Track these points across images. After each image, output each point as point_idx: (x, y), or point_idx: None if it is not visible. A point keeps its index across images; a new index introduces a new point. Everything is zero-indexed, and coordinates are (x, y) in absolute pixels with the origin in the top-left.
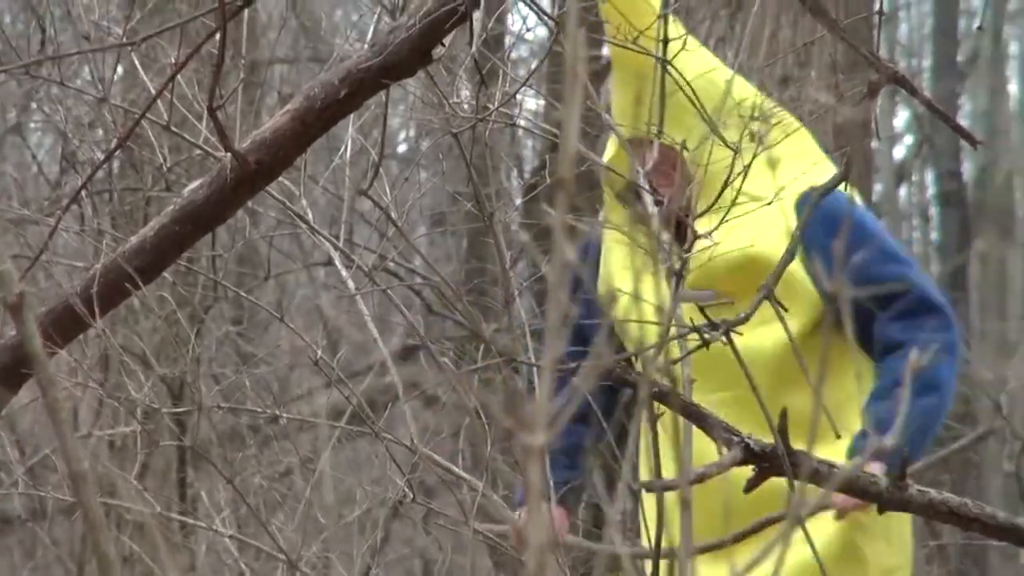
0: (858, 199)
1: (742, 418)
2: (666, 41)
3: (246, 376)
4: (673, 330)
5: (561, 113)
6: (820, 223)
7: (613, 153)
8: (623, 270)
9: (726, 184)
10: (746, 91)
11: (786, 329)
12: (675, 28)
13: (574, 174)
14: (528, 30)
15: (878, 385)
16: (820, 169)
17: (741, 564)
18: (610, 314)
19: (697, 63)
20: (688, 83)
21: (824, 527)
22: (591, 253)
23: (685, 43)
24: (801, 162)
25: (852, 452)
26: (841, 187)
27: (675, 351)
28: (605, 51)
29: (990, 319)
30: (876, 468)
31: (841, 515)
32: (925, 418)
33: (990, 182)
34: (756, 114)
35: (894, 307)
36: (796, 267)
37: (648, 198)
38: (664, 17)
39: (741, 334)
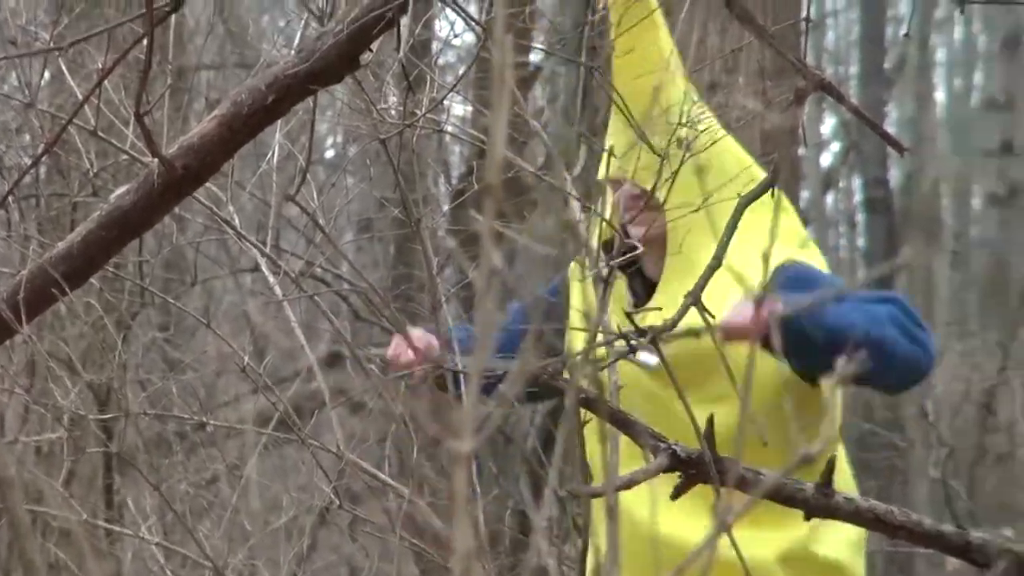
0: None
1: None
2: (594, 47)
3: (173, 382)
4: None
5: (488, 119)
6: (786, 286)
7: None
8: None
9: (653, 190)
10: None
11: (713, 337)
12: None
13: (501, 180)
14: (455, 36)
15: None
16: (748, 177)
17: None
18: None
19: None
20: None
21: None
22: (563, 293)
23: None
24: (729, 169)
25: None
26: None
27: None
28: (532, 57)
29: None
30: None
31: (728, 338)
32: (838, 313)
33: (916, 189)
34: (684, 120)
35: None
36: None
37: (576, 205)
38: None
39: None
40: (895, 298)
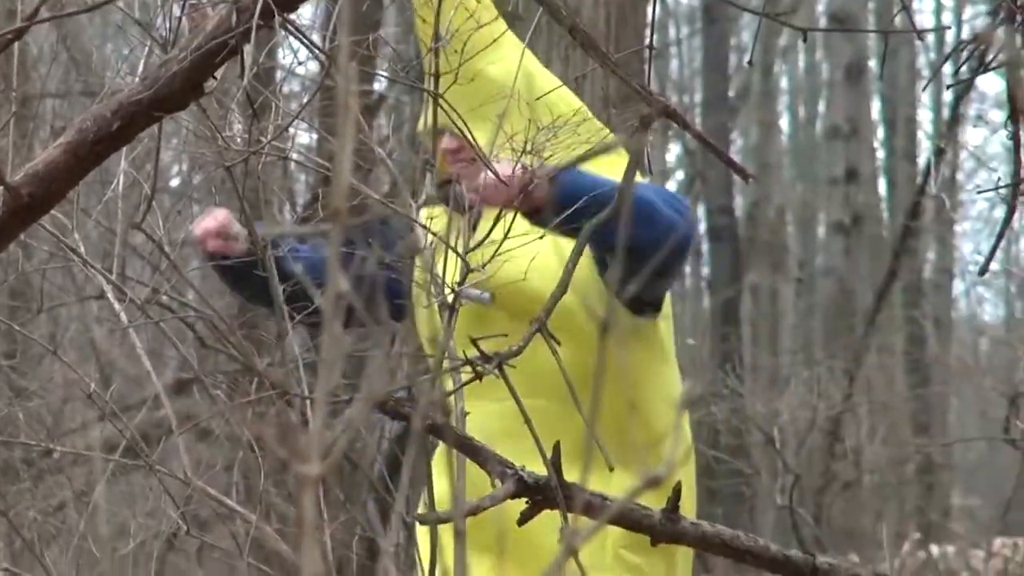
0: None
1: (546, 429)
2: (437, 76)
3: (19, 409)
4: (447, 363)
5: (334, 146)
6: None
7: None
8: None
9: (498, 217)
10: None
11: (558, 361)
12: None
13: (347, 206)
14: (299, 64)
15: None
16: (580, 116)
17: None
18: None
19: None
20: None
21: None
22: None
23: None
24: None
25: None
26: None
27: (448, 384)
28: (377, 85)
29: (762, 353)
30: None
31: (487, 200)
32: (596, 182)
33: (761, 217)
34: (529, 148)
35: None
36: (570, 299)
37: (422, 232)
38: (435, 51)
39: (514, 367)
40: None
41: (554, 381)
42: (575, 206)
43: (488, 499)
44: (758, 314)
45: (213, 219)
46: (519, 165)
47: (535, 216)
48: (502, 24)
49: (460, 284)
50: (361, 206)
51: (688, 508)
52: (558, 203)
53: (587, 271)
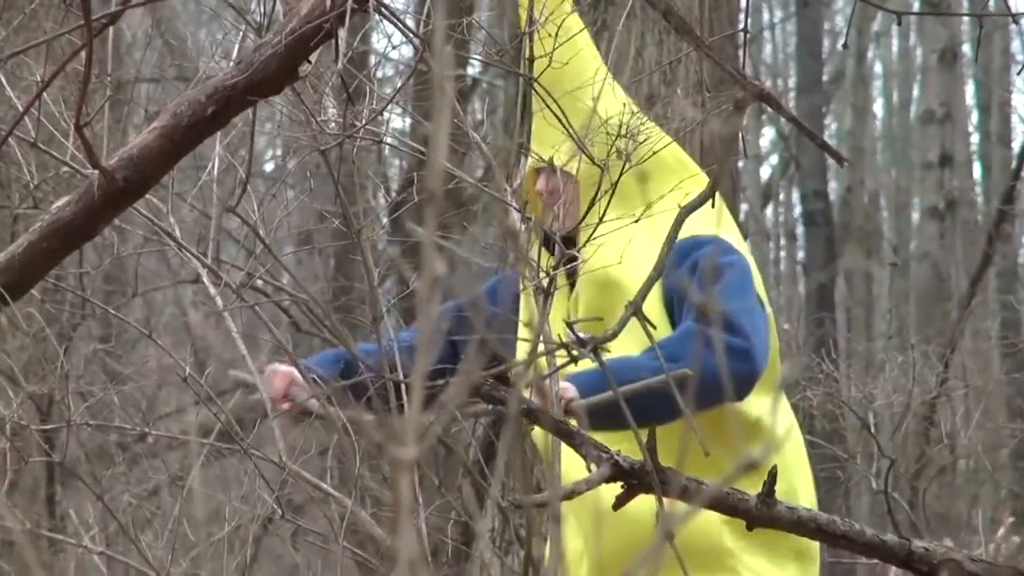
0: (738, 244)
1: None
2: (531, 59)
3: (114, 393)
4: (542, 347)
5: (428, 130)
6: (684, 262)
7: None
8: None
9: (593, 201)
10: (615, 106)
11: (653, 344)
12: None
13: (443, 190)
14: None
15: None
16: (691, 184)
17: None
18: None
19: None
20: (554, 100)
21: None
22: (502, 294)
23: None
24: (671, 177)
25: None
26: (708, 204)
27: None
28: (471, 69)
29: (857, 338)
30: (569, 389)
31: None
32: (623, 367)
33: (856, 201)
34: (624, 131)
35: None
36: (655, 301)
37: (516, 215)
38: (529, 35)
39: (610, 351)
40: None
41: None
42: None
43: (584, 483)
44: (852, 299)
45: (276, 383)
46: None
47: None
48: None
49: (557, 265)
50: (455, 190)
51: (804, 490)
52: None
53: (654, 309)
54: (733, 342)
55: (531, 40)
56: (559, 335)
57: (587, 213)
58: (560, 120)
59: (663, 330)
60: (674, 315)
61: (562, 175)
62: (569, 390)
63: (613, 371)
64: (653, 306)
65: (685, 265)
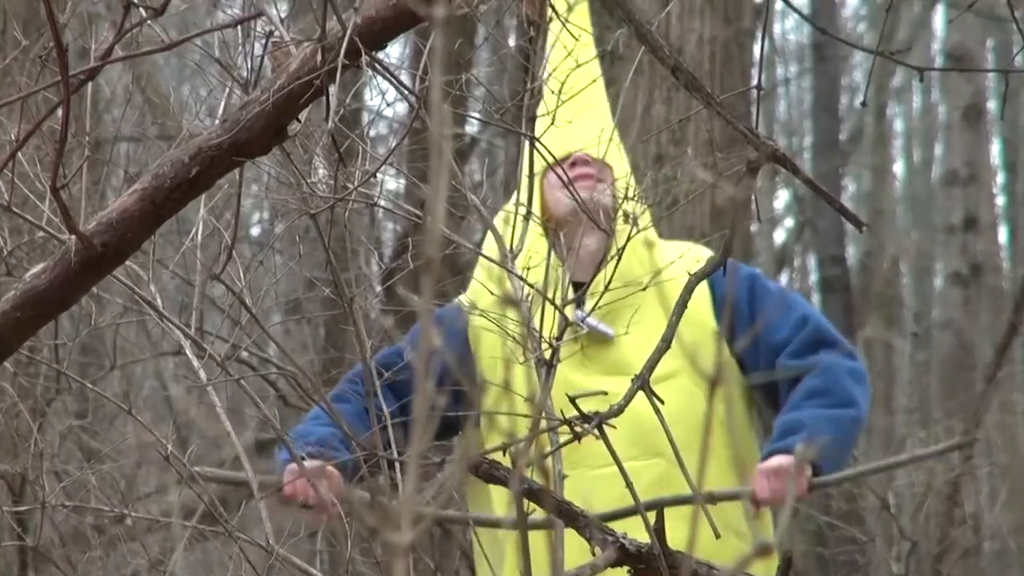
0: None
1: (655, 490)
2: (533, 118)
3: (91, 473)
4: (544, 422)
5: (425, 192)
6: (721, 285)
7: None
8: (493, 359)
9: (598, 268)
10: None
11: (662, 422)
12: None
13: (439, 256)
14: (387, 105)
15: (790, 400)
16: (696, 252)
17: None
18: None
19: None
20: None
21: None
22: (454, 340)
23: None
24: (678, 243)
25: (765, 456)
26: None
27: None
28: (469, 128)
29: (876, 413)
30: (786, 462)
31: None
32: (838, 425)
33: (875, 267)
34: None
35: (792, 345)
36: (703, 310)
37: (516, 281)
38: (531, 91)
39: (615, 427)
40: (845, 351)
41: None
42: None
43: (588, 567)
44: (872, 370)
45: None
46: (793, 472)
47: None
48: (596, 67)
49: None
50: (452, 256)
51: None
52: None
53: (703, 318)
54: (856, 367)
55: (533, 97)
56: (561, 411)
57: (594, 276)
58: (567, 186)
59: (703, 337)
60: (737, 326)
61: (595, 164)
62: (804, 467)
63: (826, 432)
64: (700, 314)
65: (743, 284)
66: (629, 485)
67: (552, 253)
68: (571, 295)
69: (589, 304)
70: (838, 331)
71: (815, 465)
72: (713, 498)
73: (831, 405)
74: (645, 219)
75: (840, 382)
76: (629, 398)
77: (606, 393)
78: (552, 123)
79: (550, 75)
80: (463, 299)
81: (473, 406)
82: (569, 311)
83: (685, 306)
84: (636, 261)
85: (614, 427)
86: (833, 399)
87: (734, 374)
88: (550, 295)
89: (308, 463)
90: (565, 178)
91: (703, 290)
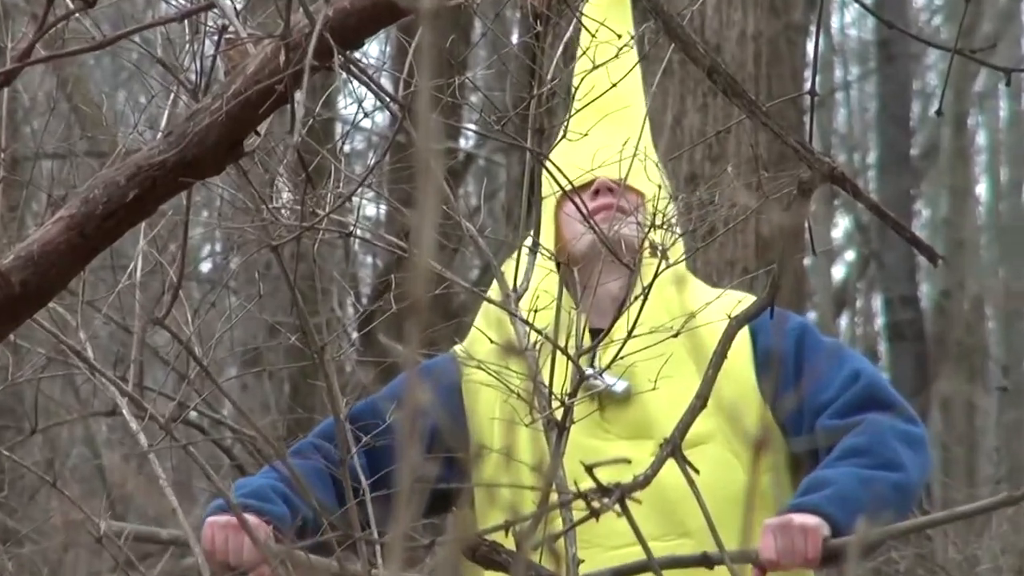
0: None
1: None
2: (541, 129)
3: (8, 558)
4: (554, 496)
5: (410, 219)
6: (765, 335)
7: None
8: (492, 420)
9: (619, 312)
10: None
11: (696, 494)
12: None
13: (428, 297)
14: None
15: (823, 461)
16: (734, 295)
17: None
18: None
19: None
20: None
21: None
22: (446, 396)
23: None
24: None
25: (780, 513)
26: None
27: (558, 523)
28: (463, 142)
29: (956, 485)
30: (808, 520)
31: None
32: (874, 488)
33: (955, 310)
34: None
35: (836, 404)
36: (744, 363)
37: (521, 326)
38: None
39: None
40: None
41: (692, 513)
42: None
43: None
44: (950, 434)
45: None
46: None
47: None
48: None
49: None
50: (444, 296)
51: None
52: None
53: (743, 373)
54: (913, 432)
55: (541, 104)
56: (575, 482)
57: (614, 323)
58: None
59: (742, 395)
60: (781, 386)
61: (627, 192)
62: (820, 527)
63: (853, 498)
64: (739, 368)
65: (790, 335)
66: (656, 571)
67: (565, 292)
68: (588, 344)
69: (607, 356)
70: (902, 392)
71: (835, 526)
72: (710, 562)
73: (869, 466)
74: (676, 252)
75: (886, 442)
76: (657, 466)
77: (629, 461)
78: (563, 135)
79: (581, 79)
80: (457, 349)
81: (468, 476)
82: (584, 363)
83: (724, 356)
84: (663, 304)
85: (638, 501)
86: (873, 460)
87: (777, 441)
88: (562, 343)
89: (223, 518)
90: (584, 210)
91: (743, 339)
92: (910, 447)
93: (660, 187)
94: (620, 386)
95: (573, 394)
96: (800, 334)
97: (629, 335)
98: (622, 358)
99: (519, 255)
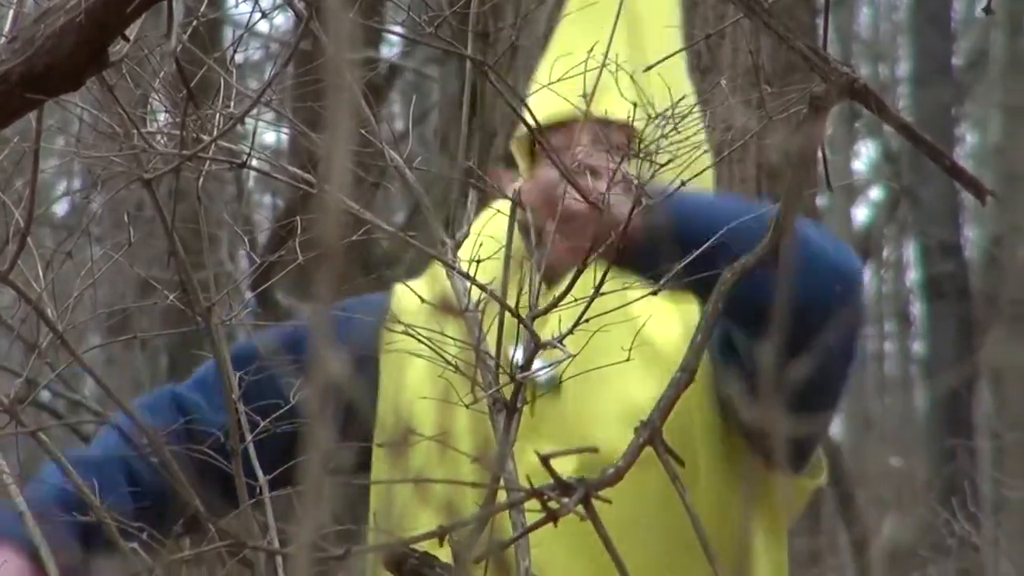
0: None
1: None
2: (484, 33)
3: None
4: (503, 495)
5: (320, 145)
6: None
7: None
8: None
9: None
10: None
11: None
12: None
13: (342, 244)
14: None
15: None
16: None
17: None
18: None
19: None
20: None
21: None
22: (358, 366)
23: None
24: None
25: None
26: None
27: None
28: (387, 50)
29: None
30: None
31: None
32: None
33: (1007, 261)
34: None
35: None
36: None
37: (460, 281)
38: None
39: (610, 501)
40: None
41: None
42: (700, 245)
43: None
44: (1003, 416)
45: None
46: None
47: (631, 259)
48: None
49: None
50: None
51: None
52: (674, 238)
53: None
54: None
55: (484, 2)
56: (528, 477)
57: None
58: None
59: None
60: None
61: (618, 132)
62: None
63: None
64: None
65: None
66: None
67: (516, 239)
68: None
69: (546, 332)
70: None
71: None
72: None
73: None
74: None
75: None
76: (632, 457)
77: (596, 450)
78: (513, 44)
79: None
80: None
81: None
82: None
83: (716, 316)
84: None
85: (608, 501)
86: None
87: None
88: (511, 302)
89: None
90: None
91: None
92: (833, 247)
93: (635, 105)
94: (545, 374)
95: (527, 365)
96: None
97: (597, 291)
98: (587, 320)
99: (463, 195)
